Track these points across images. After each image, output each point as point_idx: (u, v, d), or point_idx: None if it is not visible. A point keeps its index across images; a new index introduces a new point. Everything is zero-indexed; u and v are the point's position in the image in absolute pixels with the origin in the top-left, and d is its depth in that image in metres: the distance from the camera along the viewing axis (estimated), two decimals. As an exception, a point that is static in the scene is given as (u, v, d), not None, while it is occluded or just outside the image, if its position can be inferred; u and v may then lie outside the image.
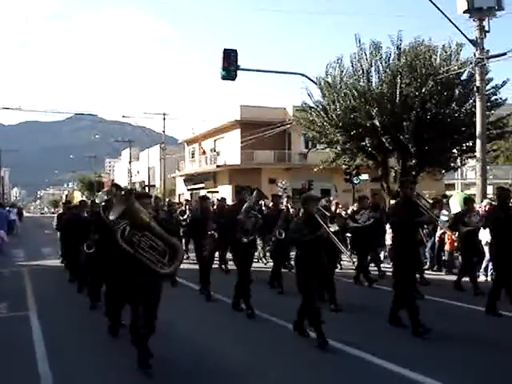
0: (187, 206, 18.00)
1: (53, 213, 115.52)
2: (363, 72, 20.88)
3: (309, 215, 7.67)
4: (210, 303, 10.70)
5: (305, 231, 7.50)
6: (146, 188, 57.80)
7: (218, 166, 42.75)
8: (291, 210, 14.64)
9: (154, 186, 58.96)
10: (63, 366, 6.72)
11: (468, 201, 12.79)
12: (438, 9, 16.26)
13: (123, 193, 6.84)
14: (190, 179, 49.64)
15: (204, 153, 47.80)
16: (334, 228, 7.93)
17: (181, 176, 52.40)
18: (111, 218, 6.32)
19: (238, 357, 7.06)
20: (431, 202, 10.99)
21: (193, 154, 52.15)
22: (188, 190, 49.68)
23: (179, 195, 51.64)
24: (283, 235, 11.38)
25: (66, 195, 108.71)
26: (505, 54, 16.73)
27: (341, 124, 21.11)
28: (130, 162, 66.65)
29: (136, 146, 74.22)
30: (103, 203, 8.48)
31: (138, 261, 6.18)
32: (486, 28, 16.79)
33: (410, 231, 8.32)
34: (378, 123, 19.97)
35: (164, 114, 50.34)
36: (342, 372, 6.40)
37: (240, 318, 9.27)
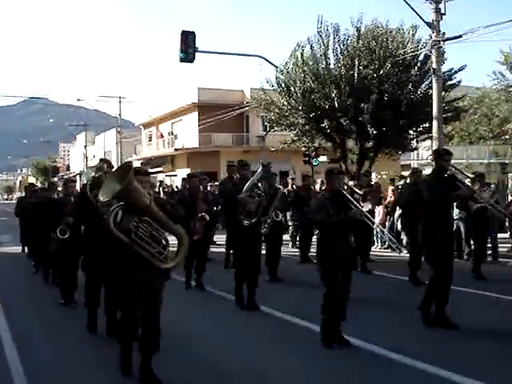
0: (161, 188, 17.79)
1: (6, 199, 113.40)
2: (322, 54, 20.98)
3: (334, 192, 6.63)
4: (203, 297, 10.00)
5: (330, 211, 6.50)
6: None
7: (175, 150, 42.52)
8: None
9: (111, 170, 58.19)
10: (33, 358, 6.58)
11: (478, 175, 11.78)
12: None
13: (118, 168, 5.48)
14: (147, 163, 49.17)
15: (162, 136, 47.48)
16: (367, 207, 7.19)
17: (138, 160, 51.83)
18: (101, 199, 5.14)
19: (246, 356, 6.47)
20: (471, 176, 9.75)
21: (150, 137, 51.72)
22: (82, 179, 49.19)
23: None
24: (280, 217, 10.82)
25: (20, 181, 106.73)
26: (460, 36, 17.08)
27: (300, 106, 21.23)
28: (85, 147, 65.66)
29: (91, 130, 73.10)
30: (89, 181, 7.13)
31: (133, 253, 5.17)
32: (443, 11, 17.08)
33: (446, 208, 7.51)
34: (336, 105, 20.15)
35: (120, 97, 49.75)
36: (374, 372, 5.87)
37: (240, 315, 8.48)
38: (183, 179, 14.82)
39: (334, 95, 20.15)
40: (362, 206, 6.80)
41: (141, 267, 5.25)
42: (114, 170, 5.23)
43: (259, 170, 8.75)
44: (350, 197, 6.63)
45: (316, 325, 6.90)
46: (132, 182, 5.00)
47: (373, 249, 15.43)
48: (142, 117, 52.78)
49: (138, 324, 5.46)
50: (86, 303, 7.61)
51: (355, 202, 6.60)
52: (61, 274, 9.55)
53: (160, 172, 45.00)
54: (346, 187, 7.16)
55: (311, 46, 21.21)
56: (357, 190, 7.73)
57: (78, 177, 67.53)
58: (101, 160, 8.10)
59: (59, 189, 12.58)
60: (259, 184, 8.92)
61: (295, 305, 8.71)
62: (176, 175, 41.21)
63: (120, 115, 50.36)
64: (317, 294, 6.80)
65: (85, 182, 7.75)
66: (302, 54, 21.54)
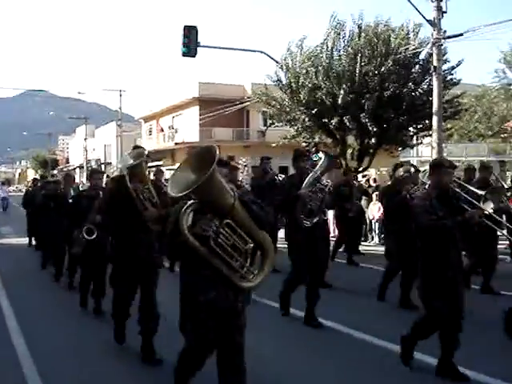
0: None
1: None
2: (327, 49, 21.12)
3: (443, 189, 5.48)
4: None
5: (440, 213, 5.31)
6: (102, 166, 57.25)
7: (176, 144, 42.61)
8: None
9: (111, 163, 58.35)
10: (40, 345, 6.73)
11: (467, 170, 11.33)
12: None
13: (197, 153, 4.12)
14: (147, 157, 49.20)
15: (162, 130, 47.52)
16: (489, 207, 5.80)
17: (138, 153, 51.92)
18: (172, 193, 3.85)
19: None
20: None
21: (150, 131, 51.79)
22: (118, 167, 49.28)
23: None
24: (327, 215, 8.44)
25: (20, 173, 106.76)
26: (461, 34, 17.18)
27: (303, 101, 21.35)
28: (85, 139, 65.69)
29: (91, 123, 73.14)
30: (128, 171, 6.10)
31: (208, 267, 4.02)
32: (444, 9, 17.17)
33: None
34: (339, 101, 20.27)
35: (121, 91, 49.81)
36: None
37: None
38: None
39: (336, 91, 20.28)
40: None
41: (216, 286, 4.09)
42: (191, 155, 4.09)
43: (323, 160, 7.62)
44: (466, 195, 5.68)
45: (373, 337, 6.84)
46: (215, 174, 3.83)
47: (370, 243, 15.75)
48: (142, 110, 52.82)
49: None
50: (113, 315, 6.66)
51: (475, 202, 5.59)
52: (85, 279, 8.59)
53: (160, 166, 45.02)
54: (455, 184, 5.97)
55: (326, 43, 21.29)
56: (472, 188, 6.62)
57: (77, 169, 67.87)
58: (136, 147, 7.17)
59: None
60: (322, 177, 7.63)
61: (349, 315, 8.13)
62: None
63: (120, 108, 50.42)
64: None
65: (119, 171, 6.63)
66: (301, 50, 21.66)
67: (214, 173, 3.76)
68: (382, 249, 15.33)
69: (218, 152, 3.88)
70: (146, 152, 6.59)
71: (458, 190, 5.68)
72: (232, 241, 3.96)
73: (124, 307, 6.32)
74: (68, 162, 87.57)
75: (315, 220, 7.34)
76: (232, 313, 4.15)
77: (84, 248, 8.18)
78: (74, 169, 70.96)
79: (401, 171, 8.54)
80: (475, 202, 5.62)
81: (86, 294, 8.50)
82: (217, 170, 3.82)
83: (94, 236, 7.74)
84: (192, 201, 3.97)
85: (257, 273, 4.16)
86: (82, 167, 65.48)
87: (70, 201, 10.07)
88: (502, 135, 22.93)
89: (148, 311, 6.03)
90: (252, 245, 4.08)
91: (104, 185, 9.18)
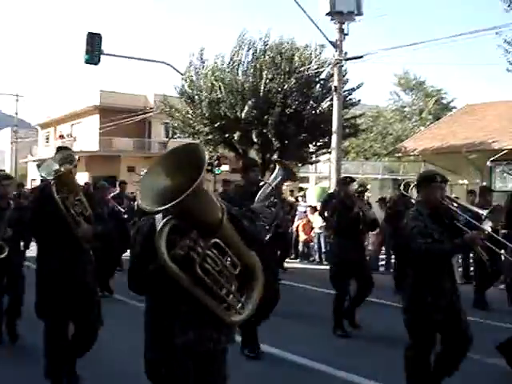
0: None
1: None
2: (232, 65, 21.33)
3: (434, 207, 4.83)
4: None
5: (435, 234, 4.69)
6: (-5, 172, 54.82)
7: (74, 152, 41.47)
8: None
9: (4, 170, 55.81)
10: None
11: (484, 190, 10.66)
12: (303, 10, 17.02)
13: (173, 152, 3.15)
14: (77, 161, 47.61)
15: (62, 137, 45.94)
16: (487, 226, 4.85)
17: (34, 161, 50.14)
18: (144, 205, 2.90)
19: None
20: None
21: (47, 138, 50.16)
22: (41, 176, 47.72)
23: (31, 181, 49.46)
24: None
25: None
26: (361, 56, 17.85)
27: (206, 115, 21.42)
28: (-24, 145, 62.73)
29: (-17, 128, 69.97)
30: (53, 178, 5.25)
31: (189, 301, 3.09)
32: (346, 31, 17.79)
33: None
34: (242, 116, 20.49)
35: (17, 95, 48.07)
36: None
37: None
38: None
39: (239, 106, 20.49)
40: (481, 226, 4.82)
41: (197, 325, 3.22)
42: (166, 154, 3.13)
43: (278, 172, 6.91)
44: (463, 214, 4.95)
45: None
46: (202, 183, 2.90)
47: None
48: (39, 117, 51.10)
49: None
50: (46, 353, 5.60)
51: (475, 222, 4.83)
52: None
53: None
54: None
55: (231, 58, 21.50)
56: (473, 208, 5.41)
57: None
58: (61, 148, 5.96)
59: None
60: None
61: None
62: (74, 178, 40.21)
63: (16, 114, 48.71)
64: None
65: (44, 177, 5.65)
66: (203, 63, 21.81)
67: (202, 181, 2.85)
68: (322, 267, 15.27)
69: (205, 152, 3.02)
70: (76, 157, 5.52)
71: (453, 207, 4.95)
72: (220, 265, 3.05)
73: (58, 341, 5.33)
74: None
75: (268, 236, 6.44)
76: (212, 357, 3.33)
77: None
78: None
79: (355, 185, 8.21)
80: (474, 221, 4.84)
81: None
82: (204, 178, 2.89)
83: (5, 254, 6.56)
84: (167, 216, 2.98)
85: (244, 301, 3.20)
86: (-28, 173, 62.37)
87: None
88: (396, 154, 23.94)
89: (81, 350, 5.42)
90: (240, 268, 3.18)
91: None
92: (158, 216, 3.12)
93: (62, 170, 5.18)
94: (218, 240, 3.03)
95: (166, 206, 2.79)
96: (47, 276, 5.37)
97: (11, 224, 6.61)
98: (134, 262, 3.29)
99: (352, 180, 8.40)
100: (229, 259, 3.12)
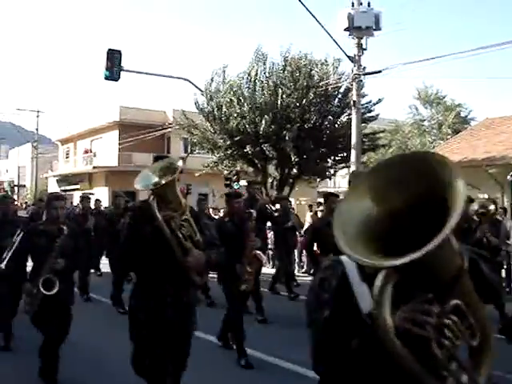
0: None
1: None
2: (249, 81, 21.45)
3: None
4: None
5: None
6: (16, 188, 55.39)
7: (94, 167, 41.83)
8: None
9: (24, 186, 56.55)
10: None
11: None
12: (321, 25, 17.09)
13: (403, 160, 1.91)
14: (63, 180, 48.10)
15: (87, 152, 46.09)
16: None
17: (54, 176, 50.64)
18: (350, 253, 1.75)
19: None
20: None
21: (67, 153, 50.62)
22: (61, 191, 48.09)
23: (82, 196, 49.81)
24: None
25: None
26: (380, 71, 17.86)
27: (225, 130, 21.53)
28: (-2, 160, 63.53)
29: (5, 144, 70.79)
30: (151, 192, 4.38)
31: None
32: (364, 46, 17.81)
33: None
34: (261, 131, 20.56)
35: (38, 111, 48.63)
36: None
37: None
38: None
39: (258, 121, 20.57)
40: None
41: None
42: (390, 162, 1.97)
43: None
44: None
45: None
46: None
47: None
48: (59, 132, 51.58)
49: None
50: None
51: None
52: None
53: (76, 190, 44.06)
54: None
55: (249, 73, 21.65)
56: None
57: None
58: (160, 157, 4.99)
59: None
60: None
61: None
62: (93, 193, 40.46)
63: (37, 129, 49.23)
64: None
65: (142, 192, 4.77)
66: (224, 78, 21.96)
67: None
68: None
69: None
70: (180, 164, 4.36)
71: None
72: (460, 338, 1.88)
73: None
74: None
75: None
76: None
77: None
78: (-15, 190, 68.31)
79: (474, 206, 7.18)
80: None
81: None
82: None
83: (55, 290, 5.56)
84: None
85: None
86: (-6, 189, 63.19)
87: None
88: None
89: None
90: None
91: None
92: (346, 259, 2.04)
93: (163, 182, 4.09)
94: (459, 301, 1.91)
95: (410, 258, 1.67)
96: (144, 322, 4.28)
97: (64, 254, 5.74)
98: (320, 334, 2.09)
99: (471, 200, 7.44)
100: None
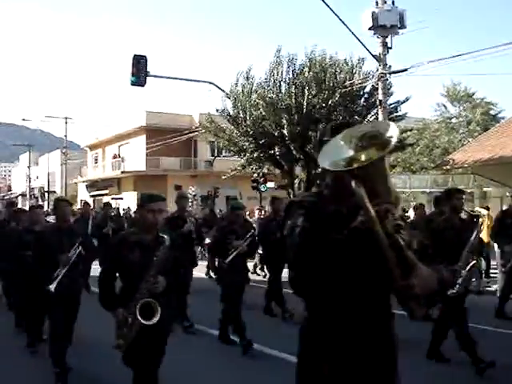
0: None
1: None
2: (274, 82, 21.44)
3: None
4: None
5: None
6: (46, 194, 56.16)
7: (122, 172, 42.21)
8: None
9: (55, 192, 57.28)
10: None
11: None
12: (345, 25, 16.97)
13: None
14: (92, 185, 48.66)
15: (115, 157, 46.39)
16: None
17: (83, 182, 51.24)
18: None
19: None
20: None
21: (96, 159, 51.19)
22: (91, 196, 48.70)
23: (81, 201, 50.41)
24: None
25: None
26: (405, 70, 17.68)
27: (251, 132, 21.53)
28: (28, 167, 64.42)
29: (35, 151, 71.82)
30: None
31: None
32: (389, 44, 17.65)
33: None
34: (286, 133, 20.52)
35: (66, 118, 49.24)
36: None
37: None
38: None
39: (284, 123, 20.53)
40: None
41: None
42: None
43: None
44: None
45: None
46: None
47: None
48: (87, 138, 52.19)
49: None
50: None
51: None
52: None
53: (105, 195, 44.50)
54: None
55: (271, 73, 21.66)
56: None
57: (19, 198, 66.28)
58: (344, 124, 2.87)
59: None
60: None
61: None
62: (122, 198, 40.85)
63: (66, 136, 49.83)
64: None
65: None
66: (250, 81, 21.97)
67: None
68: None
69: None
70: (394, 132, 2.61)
71: None
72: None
73: None
74: (10, 190, 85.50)
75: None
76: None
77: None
78: (17, 197, 69.30)
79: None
80: None
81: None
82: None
83: (156, 319, 4.37)
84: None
85: None
86: (25, 195, 64.07)
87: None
88: (444, 167, 23.48)
89: None
90: None
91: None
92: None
93: (364, 158, 2.44)
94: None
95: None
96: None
97: (164, 270, 4.59)
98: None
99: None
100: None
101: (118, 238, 5.11)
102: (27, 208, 12.27)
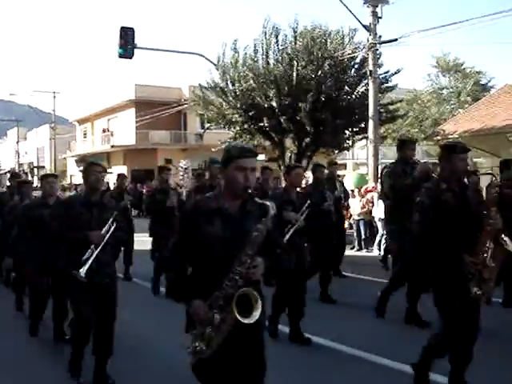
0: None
1: None
2: (262, 54, 21.21)
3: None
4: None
5: None
6: (35, 169, 55.83)
7: (112, 147, 41.95)
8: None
9: (44, 167, 56.95)
10: None
11: None
12: (335, -6, 16.80)
13: None
14: (82, 160, 48.33)
15: (104, 131, 45.94)
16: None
17: (72, 157, 50.91)
18: None
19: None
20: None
21: (85, 133, 50.83)
22: (80, 171, 48.41)
23: (71, 176, 50.21)
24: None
25: None
26: (396, 39, 17.58)
27: (239, 105, 21.36)
28: (17, 143, 63.94)
29: (23, 126, 71.20)
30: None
31: None
32: (379, 14, 17.51)
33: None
34: (275, 104, 20.37)
35: (54, 92, 48.78)
36: None
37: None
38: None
39: (272, 95, 20.36)
40: None
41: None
42: None
43: None
44: None
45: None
46: None
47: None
48: (76, 113, 51.72)
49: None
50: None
51: None
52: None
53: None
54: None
55: (255, 45, 21.41)
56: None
57: (7, 174, 65.83)
58: None
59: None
60: None
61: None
62: (112, 173, 40.61)
63: (54, 111, 49.47)
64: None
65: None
66: (237, 53, 21.75)
67: None
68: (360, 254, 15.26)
69: None
70: None
71: None
72: None
73: None
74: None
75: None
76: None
77: None
78: (5, 173, 68.89)
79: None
80: None
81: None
82: None
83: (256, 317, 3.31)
84: None
85: None
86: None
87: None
88: (435, 138, 23.45)
89: None
90: None
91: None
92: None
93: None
94: None
95: None
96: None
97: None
98: None
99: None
100: None
101: (191, 204, 3.82)
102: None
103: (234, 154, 3.48)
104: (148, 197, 11.08)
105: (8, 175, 63.84)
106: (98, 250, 5.24)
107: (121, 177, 12.66)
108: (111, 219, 5.43)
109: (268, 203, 3.42)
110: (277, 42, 21.13)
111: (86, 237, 5.25)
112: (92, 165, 5.67)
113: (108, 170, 39.80)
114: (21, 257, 7.34)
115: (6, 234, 8.28)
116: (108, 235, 5.35)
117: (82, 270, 5.09)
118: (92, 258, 5.17)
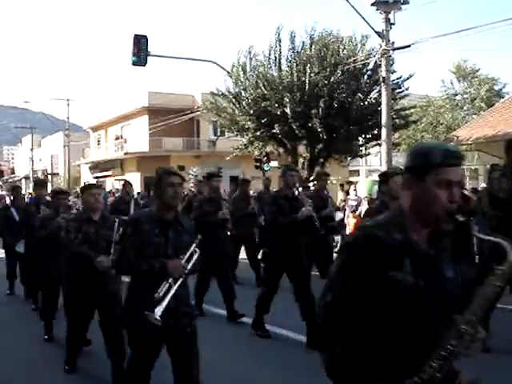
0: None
1: None
2: (275, 60, 21.27)
3: None
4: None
5: None
6: (49, 176, 56.14)
7: (125, 154, 42.12)
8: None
9: (58, 174, 57.32)
10: None
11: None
12: (348, 1, 16.77)
13: None
14: (96, 167, 48.62)
15: (118, 138, 46.21)
16: None
17: (86, 164, 51.20)
18: None
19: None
20: None
21: (99, 140, 51.10)
22: (94, 177, 48.69)
23: (85, 183, 50.42)
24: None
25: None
26: (409, 46, 17.49)
27: (252, 112, 21.41)
28: (31, 150, 64.36)
29: (38, 133, 71.70)
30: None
31: None
32: (392, 20, 17.46)
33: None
34: (288, 111, 20.39)
35: (68, 100, 49.12)
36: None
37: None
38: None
39: (285, 101, 20.39)
40: None
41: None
42: None
43: None
44: None
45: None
46: None
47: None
48: (90, 120, 52.05)
49: None
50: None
51: None
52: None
53: (108, 176, 44.47)
54: None
55: (269, 52, 21.49)
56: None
57: (23, 180, 66.36)
58: None
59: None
60: None
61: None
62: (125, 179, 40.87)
63: (68, 118, 49.72)
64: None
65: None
66: (251, 60, 21.82)
67: None
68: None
69: None
70: None
71: None
72: None
73: None
74: (13, 173, 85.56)
75: None
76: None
77: None
78: (20, 179, 69.39)
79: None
80: None
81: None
82: None
83: None
84: None
85: None
86: (28, 178, 64.13)
87: None
88: (449, 144, 23.47)
89: None
90: None
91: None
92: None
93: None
94: None
95: None
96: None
97: None
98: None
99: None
100: None
101: (362, 235, 2.32)
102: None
103: (436, 159, 2.17)
104: (196, 208, 8.81)
105: (23, 181, 64.24)
106: (178, 284, 4.05)
107: (127, 184, 11.99)
108: (194, 244, 4.25)
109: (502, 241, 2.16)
110: (293, 47, 21.22)
111: (162, 267, 4.04)
112: (167, 174, 4.24)
113: (121, 177, 40.10)
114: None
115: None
116: (190, 266, 4.17)
117: (157, 311, 3.88)
118: (170, 296, 3.97)
